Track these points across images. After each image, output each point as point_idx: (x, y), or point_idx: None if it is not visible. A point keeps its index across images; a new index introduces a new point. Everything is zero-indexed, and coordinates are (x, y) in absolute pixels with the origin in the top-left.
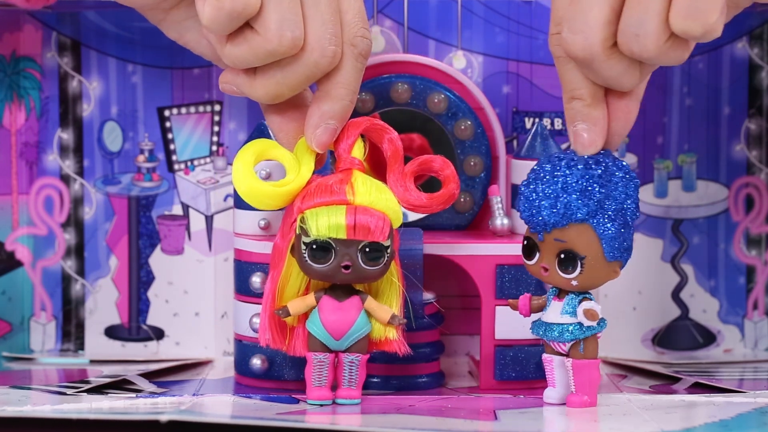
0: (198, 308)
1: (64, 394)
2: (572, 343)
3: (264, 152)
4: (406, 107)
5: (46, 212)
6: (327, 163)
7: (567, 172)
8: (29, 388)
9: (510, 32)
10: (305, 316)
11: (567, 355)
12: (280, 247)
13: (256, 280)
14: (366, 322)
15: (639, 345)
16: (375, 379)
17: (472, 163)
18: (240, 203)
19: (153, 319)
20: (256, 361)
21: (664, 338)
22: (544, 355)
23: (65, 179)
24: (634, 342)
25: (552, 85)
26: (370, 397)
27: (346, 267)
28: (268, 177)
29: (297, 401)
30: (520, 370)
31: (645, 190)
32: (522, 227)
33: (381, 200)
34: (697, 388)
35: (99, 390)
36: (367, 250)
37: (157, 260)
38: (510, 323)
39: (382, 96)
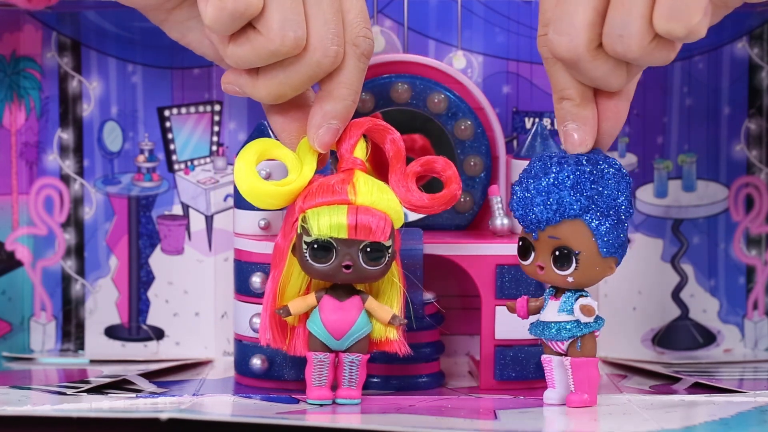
0: (198, 308)
1: (64, 394)
2: (570, 341)
3: (266, 151)
4: (406, 107)
5: (46, 212)
6: (328, 163)
7: (558, 169)
8: (29, 388)
9: (510, 32)
10: (306, 315)
11: (565, 354)
12: (281, 247)
13: (256, 280)
14: (366, 322)
15: (639, 345)
16: (375, 379)
17: (472, 163)
18: (240, 203)
19: (153, 319)
20: (256, 361)
21: (664, 338)
22: (543, 356)
23: (65, 179)
24: (634, 342)
25: None
26: (370, 397)
27: (347, 267)
28: (268, 177)
29: (297, 401)
30: (520, 370)
31: (645, 190)
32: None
33: (382, 200)
34: (697, 388)
35: (99, 390)
36: (368, 250)
37: (157, 260)
38: (510, 323)
39: (382, 96)
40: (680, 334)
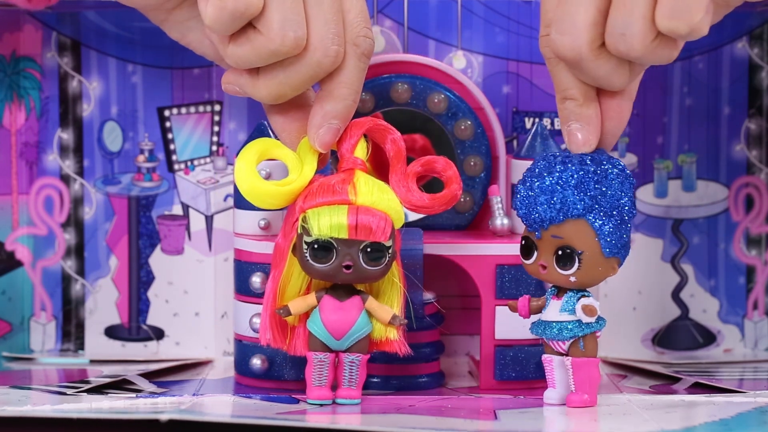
0: (198, 308)
1: (64, 394)
2: (571, 341)
3: (266, 151)
4: (406, 107)
5: (46, 212)
6: (328, 163)
7: (562, 168)
8: (29, 388)
9: (510, 32)
10: (306, 315)
11: (566, 354)
12: (281, 247)
13: (256, 280)
14: (367, 323)
15: (639, 345)
16: (375, 379)
17: (472, 163)
18: (240, 203)
19: (153, 319)
20: (256, 361)
21: (664, 338)
22: (544, 356)
23: (65, 179)
24: (634, 342)
25: (552, 85)
26: (370, 397)
27: (348, 267)
28: (268, 177)
29: (297, 401)
30: (520, 370)
31: (645, 190)
32: (522, 227)
33: (383, 200)
34: (697, 388)
35: (99, 390)
36: (369, 250)
37: (157, 260)
38: (510, 323)
39: (382, 96)
40: (680, 334)
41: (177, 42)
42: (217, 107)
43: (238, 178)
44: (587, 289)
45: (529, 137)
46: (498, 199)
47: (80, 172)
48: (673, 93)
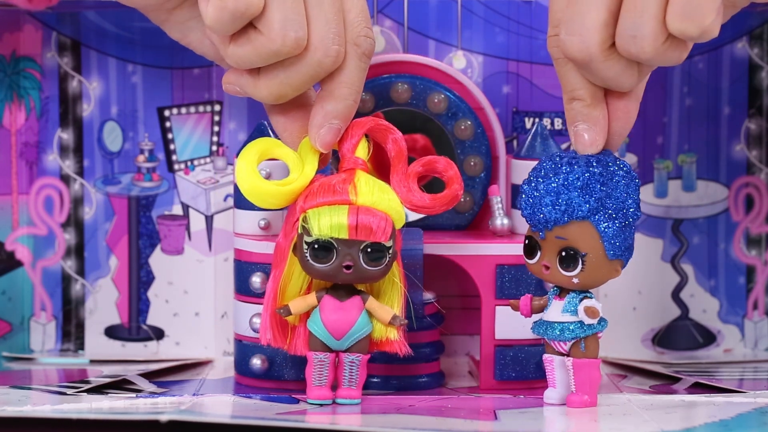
0: (198, 308)
1: (64, 394)
2: (573, 341)
3: (267, 151)
4: (406, 107)
5: (46, 212)
6: (328, 163)
7: (568, 169)
8: (29, 388)
9: (510, 32)
10: (307, 315)
11: (568, 355)
12: (282, 247)
13: (256, 280)
14: (367, 323)
15: (639, 345)
16: (375, 379)
17: (472, 163)
18: (240, 203)
19: (153, 319)
20: (256, 361)
21: (664, 338)
22: (545, 356)
23: (65, 179)
24: (634, 342)
25: (552, 85)
26: (370, 397)
27: (348, 267)
28: (268, 176)
29: (297, 401)
30: (520, 370)
31: (645, 190)
32: (522, 227)
33: (383, 200)
34: (697, 388)
35: (99, 390)
36: (369, 250)
37: (157, 260)
38: (510, 323)
39: (382, 96)
40: (680, 334)
41: (177, 42)
42: (217, 107)
43: (239, 177)
44: (589, 291)
45: (529, 137)
46: (498, 199)
47: (80, 172)
48: (673, 93)
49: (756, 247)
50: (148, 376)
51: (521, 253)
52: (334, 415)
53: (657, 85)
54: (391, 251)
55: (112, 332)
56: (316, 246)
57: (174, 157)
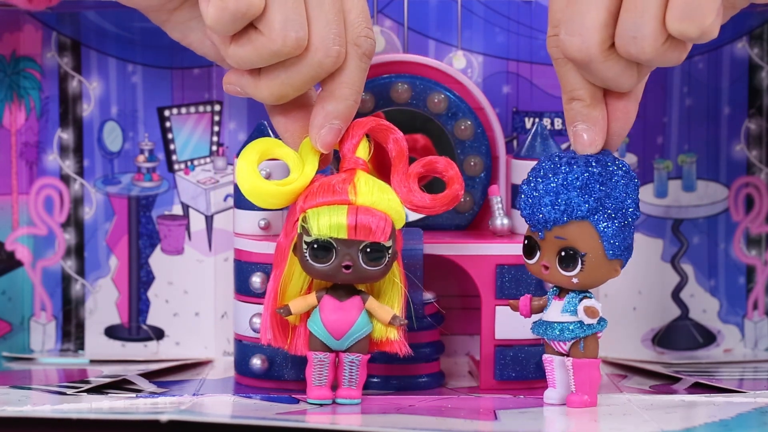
0: (198, 308)
1: (64, 394)
2: (573, 341)
3: (268, 151)
4: (406, 107)
5: (46, 212)
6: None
7: (567, 169)
8: (29, 388)
9: (510, 32)
10: (307, 315)
11: (567, 355)
12: (283, 246)
13: (256, 280)
14: (367, 323)
15: (639, 345)
16: (375, 379)
17: (472, 163)
18: (240, 203)
19: (153, 319)
20: (256, 361)
21: (664, 338)
22: (545, 356)
23: (65, 179)
24: (634, 342)
25: (552, 85)
26: (370, 397)
27: (347, 267)
28: (268, 177)
29: (297, 401)
30: (520, 370)
31: (645, 190)
32: (522, 227)
33: (383, 200)
34: (697, 388)
35: (99, 390)
36: (368, 250)
37: (157, 260)
38: (510, 323)
39: (382, 96)
40: (680, 334)
41: (177, 42)
42: (217, 107)
43: (239, 177)
44: (589, 290)
45: (529, 137)
46: (498, 199)
47: (80, 172)
48: (673, 93)
49: (756, 247)
50: (148, 376)
51: (521, 253)
52: (334, 415)
53: (657, 85)
54: (390, 251)
55: (112, 332)
56: (315, 246)
57: (174, 157)
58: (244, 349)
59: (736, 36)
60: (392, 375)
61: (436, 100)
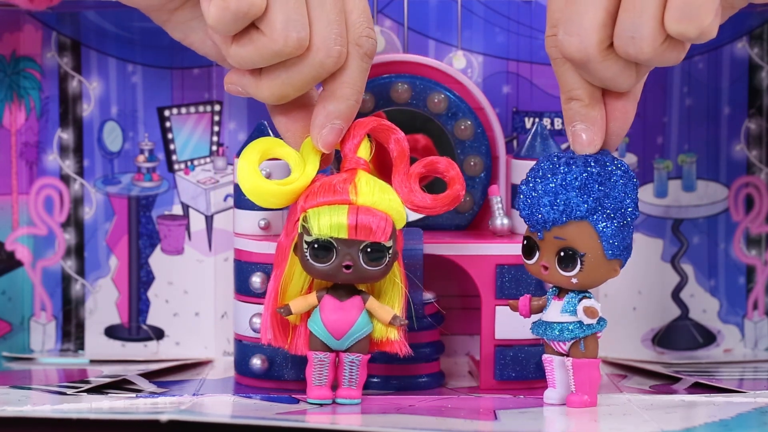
0: (198, 308)
1: (64, 394)
2: (572, 342)
3: (269, 150)
4: (406, 107)
5: (46, 212)
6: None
7: (566, 169)
8: (29, 388)
9: (510, 32)
10: (308, 314)
11: (567, 355)
12: (283, 246)
13: (256, 280)
14: (367, 323)
15: (639, 345)
16: (375, 379)
17: (472, 163)
18: (240, 203)
19: (153, 319)
20: (256, 361)
21: (664, 338)
22: (545, 356)
23: (65, 179)
24: (634, 342)
25: (552, 85)
26: (370, 397)
27: (347, 267)
28: (268, 176)
29: (297, 401)
30: (520, 370)
31: (645, 190)
32: (522, 227)
33: (384, 200)
34: (697, 388)
35: (99, 390)
36: (369, 250)
37: (157, 260)
38: (510, 323)
39: (382, 96)
40: (680, 334)
41: (177, 42)
42: (217, 107)
43: (240, 177)
44: (588, 291)
45: (529, 137)
46: (498, 199)
47: (80, 172)
48: (673, 93)
49: (756, 247)
50: (148, 376)
51: (521, 253)
52: (334, 415)
53: (657, 85)
54: (391, 251)
55: (112, 332)
56: (315, 245)
57: (174, 157)
58: (244, 349)
59: (736, 36)
60: (392, 375)
61: (436, 100)
